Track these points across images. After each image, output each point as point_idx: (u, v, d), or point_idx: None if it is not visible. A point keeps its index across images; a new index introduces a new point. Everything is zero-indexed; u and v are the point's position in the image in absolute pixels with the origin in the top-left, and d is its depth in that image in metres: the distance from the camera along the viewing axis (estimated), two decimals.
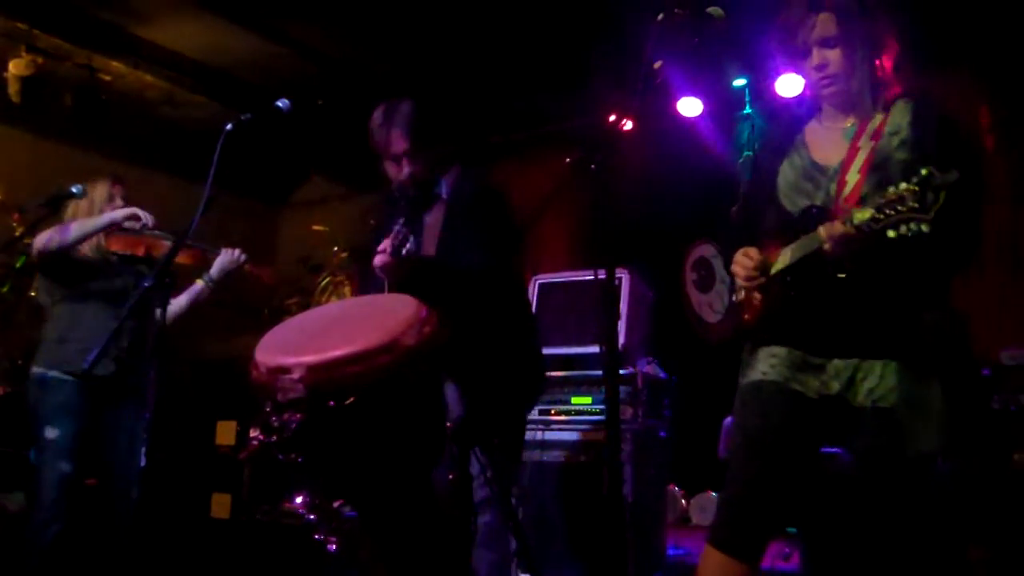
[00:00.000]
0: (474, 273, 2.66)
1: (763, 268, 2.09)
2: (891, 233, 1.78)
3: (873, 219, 1.80)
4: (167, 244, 3.40)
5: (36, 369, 3.39)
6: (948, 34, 4.47)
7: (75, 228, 3.35)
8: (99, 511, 3.36)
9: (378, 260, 2.64)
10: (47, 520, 3.27)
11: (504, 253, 2.73)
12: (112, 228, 3.40)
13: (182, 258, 3.43)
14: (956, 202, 1.78)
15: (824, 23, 2.03)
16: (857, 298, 1.97)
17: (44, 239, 3.36)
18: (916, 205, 1.74)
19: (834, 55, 2.05)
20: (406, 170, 2.79)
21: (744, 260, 2.11)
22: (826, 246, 1.92)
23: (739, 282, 2.12)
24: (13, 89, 5.15)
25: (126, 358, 3.44)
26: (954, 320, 2.06)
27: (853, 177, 2.00)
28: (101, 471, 3.53)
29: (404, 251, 2.57)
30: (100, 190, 3.56)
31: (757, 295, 2.12)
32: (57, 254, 3.35)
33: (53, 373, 3.35)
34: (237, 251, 3.61)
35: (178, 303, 3.63)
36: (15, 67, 5.11)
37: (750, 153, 2.39)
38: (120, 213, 3.40)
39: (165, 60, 5.61)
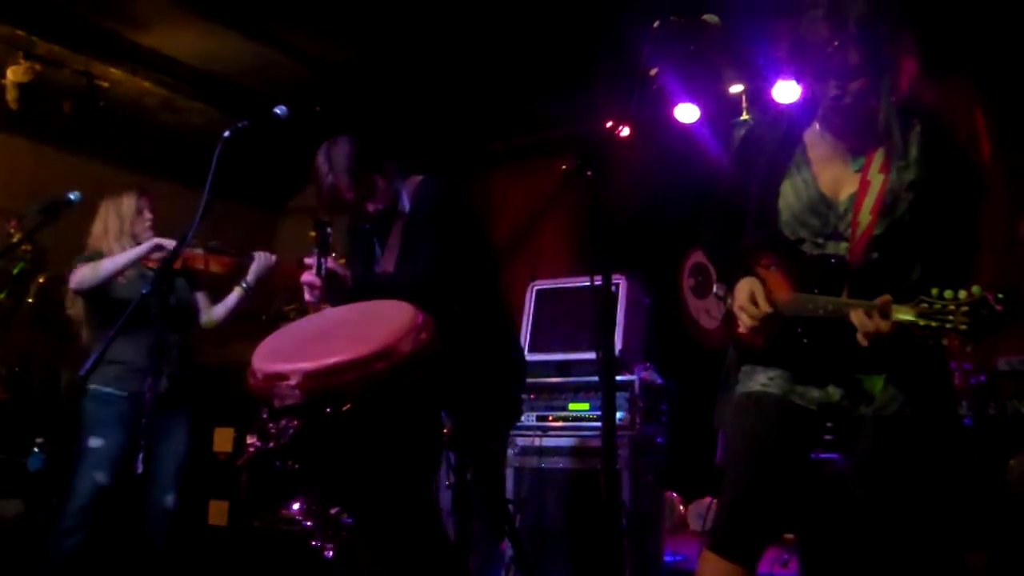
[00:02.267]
0: (417, 285, 2.60)
1: (770, 312, 2.04)
2: (931, 341, 1.79)
3: (915, 325, 1.79)
4: (199, 253, 3.51)
5: (93, 385, 3.45)
6: (945, 39, 4.48)
7: (107, 266, 3.42)
8: (130, 519, 3.39)
9: (308, 295, 2.62)
10: (72, 528, 3.31)
11: (458, 262, 2.68)
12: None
13: (216, 268, 3.55)
14: (963, 228, 1.83)
15: (849, 53, 1.89)
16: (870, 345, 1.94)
17: (78, 278, 3.44)
18: (965, 327, 1.73)
19: (855, 86, 1.93)
20: (368, 209, 2.79)
21: (751, 309, 2.05)
22: (859, 335, 1.86)
23: (742, 324, 2.09)
24: (11, 96, 5.15)
25: (177, 373, 3.52)
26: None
27: (865, 219, 1.97)
28: (140, 479, 3.57)
29: (323, 271, 2.57)
30: (127, 203, 3.62)
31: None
32: (93, 291, 3.45)
33: (108, 389, 3.43)
34: (270, 255, 3.68)
35: (217, 313, 3.72)
36: (13, 74, 5.11)
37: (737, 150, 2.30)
38: (144, 248, 3.46)
39: (163, 67, 5.63)
